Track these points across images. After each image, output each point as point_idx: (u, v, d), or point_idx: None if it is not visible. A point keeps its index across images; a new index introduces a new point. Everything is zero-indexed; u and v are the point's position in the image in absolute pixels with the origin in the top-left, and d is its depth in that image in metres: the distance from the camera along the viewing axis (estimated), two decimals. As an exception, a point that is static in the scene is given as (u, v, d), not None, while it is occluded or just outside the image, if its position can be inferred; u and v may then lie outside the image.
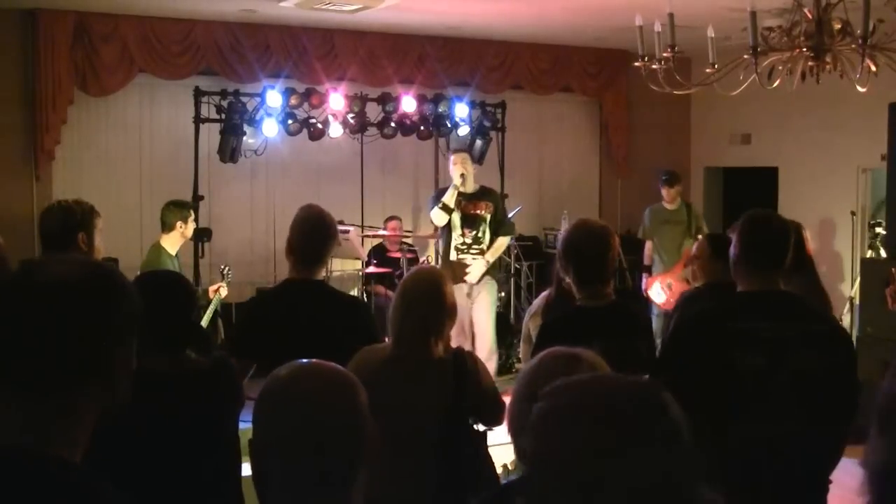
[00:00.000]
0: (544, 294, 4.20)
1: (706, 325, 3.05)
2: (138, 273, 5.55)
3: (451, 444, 3.01)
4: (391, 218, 9.04)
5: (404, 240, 9.11)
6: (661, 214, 8.37)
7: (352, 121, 8.50)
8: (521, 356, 5.06)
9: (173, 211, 6.16)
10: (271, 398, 1.65)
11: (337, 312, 3.60)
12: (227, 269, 7.31)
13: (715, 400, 2.86)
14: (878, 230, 7.68)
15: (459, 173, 7.03)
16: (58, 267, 1.44)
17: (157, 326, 2.83)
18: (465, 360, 3.14)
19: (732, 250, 3.09)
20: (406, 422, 2.99)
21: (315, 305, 3.57)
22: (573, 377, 1.32)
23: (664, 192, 8.41)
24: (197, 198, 8.04)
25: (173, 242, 6.10)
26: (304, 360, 1.70)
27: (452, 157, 7.19)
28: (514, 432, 1.95)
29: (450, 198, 7.00)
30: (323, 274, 3.81)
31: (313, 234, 3.64)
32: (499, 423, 3.27)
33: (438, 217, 7.06)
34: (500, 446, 3.47)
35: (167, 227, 6.10)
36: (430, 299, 3.06)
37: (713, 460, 2.84)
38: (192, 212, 6.34)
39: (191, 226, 6.24)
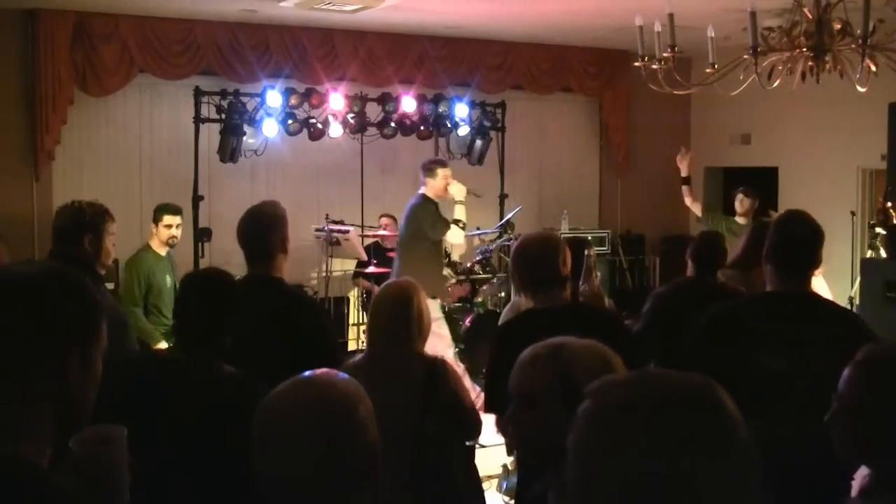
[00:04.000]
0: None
1: (727, 325, 3.03)
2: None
3: (424, 455, 3.00)
4: (383, 215, 9.00)
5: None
6: (728, 223, 7.53)
7: (352, 121, 8.49)
8: None
9: (158, 209, 6.38)
10: (264, 416, 1.65)
11: (278, 308, 3.56)
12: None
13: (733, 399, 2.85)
14: (878, 230, 7.67)
15: (462, 188, 6.85)
16: (19, 266, 1.49)
17: (184, 323, 2.89)
18: (437, 368, 3.16)
19: (765, 251, 3.10)
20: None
21: (262, 302, 3.53)
22: (620, 375, 1.30)
23: (737, 203, 7.61)
24: (197, 198, 8.03)
25: (155, 244, 6.30)
26: (306, 374, 1.70)
27: (445, 172, 6.89)
28: (516, 434, 1.95)
29: (463, 214, 6.84)
30: (282, 267, 3.71)
31: (244, 228, 3.73)
32: (473, 436, 3.26)
33: (461, 237, 6.91)
34: (499, 447, 3.46)
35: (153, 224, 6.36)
36: (394, 308, 3.17)
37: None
38: (164, 216, 6.30)
39: (164, 231, 6.26)
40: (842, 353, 2.90)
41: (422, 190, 6.90)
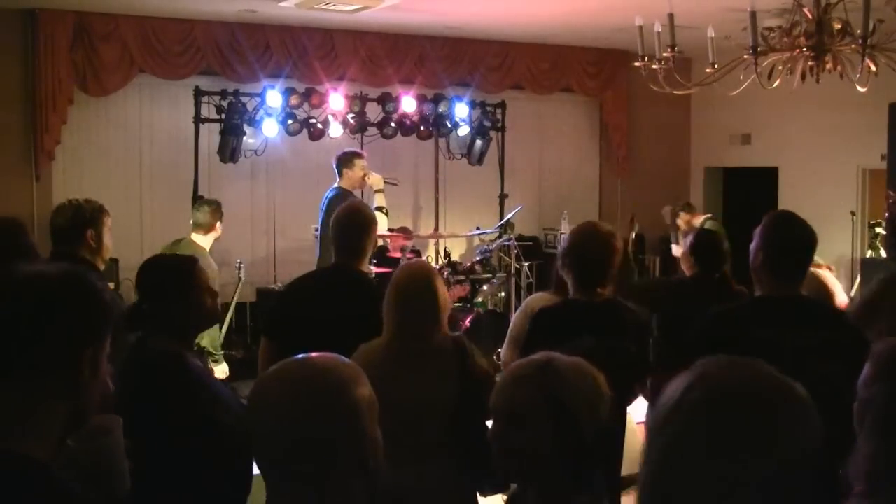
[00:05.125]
0: (540, 295, 4.20)
1: (727, 331, 3.00)
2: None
3: (460, 434, 3.01)
4: (400, 230, 8.97)
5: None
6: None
7: (352, 121, 8.50)
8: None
9: (214, 210, 6.01)
10: (255, 398, 1.64)
11: (363, 301, 3.66)
12: (240, 263, 7.16)
13: None
14: (878, 230, 7.68)
15: (379, 177, 6.98)
16: (34, 267, 1.50)
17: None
18: (465, 346, 3.17)
19: (752, 254, 3.06)
20: (413, 412, 2.99)
21: (343, 292, 3.74)
22: (706, 367, 1.29)
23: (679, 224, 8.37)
24: (197, 198, 8.03)
25: (209, 242, 5.96)
26: (299, 357, 1.68)
27: (362, 163, 6.81)
28: (500, 452, 1.94)
29: (383, 201, 6.94)
30: (367, 264, 4.00)
31: (342, 223, 3.88)
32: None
33: (385, 223, 7.01)
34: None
35: (206, 227, 5.91)
36: (424, 289, 3.14)
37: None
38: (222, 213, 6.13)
39: (219, 228, 6.04)
40: (839, 357, 2.87)
41: (337, 182, 6.75)
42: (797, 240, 3.01)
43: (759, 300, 3.10)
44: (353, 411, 1.60)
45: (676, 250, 8.26)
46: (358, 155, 6.96)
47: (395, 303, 3.15)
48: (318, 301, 3.75)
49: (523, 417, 1.87)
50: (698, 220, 8.38)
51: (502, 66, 9.89)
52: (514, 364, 2.00)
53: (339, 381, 1.62)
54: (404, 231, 8.93)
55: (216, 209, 6.05)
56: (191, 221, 5.97)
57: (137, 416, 2.52)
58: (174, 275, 2.80)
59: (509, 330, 4.22)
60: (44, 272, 1.49)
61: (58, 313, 1.44)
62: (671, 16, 4.86)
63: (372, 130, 8.72)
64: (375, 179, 6.96)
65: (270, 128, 8.14)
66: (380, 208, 6.88)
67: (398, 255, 8.45)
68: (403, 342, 3.11)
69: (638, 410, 3.79)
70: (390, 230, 8.73)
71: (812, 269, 4.84)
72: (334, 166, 6.76)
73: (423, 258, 8.74)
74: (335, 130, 8.46)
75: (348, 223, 3.90)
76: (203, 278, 2.82)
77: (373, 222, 3.94)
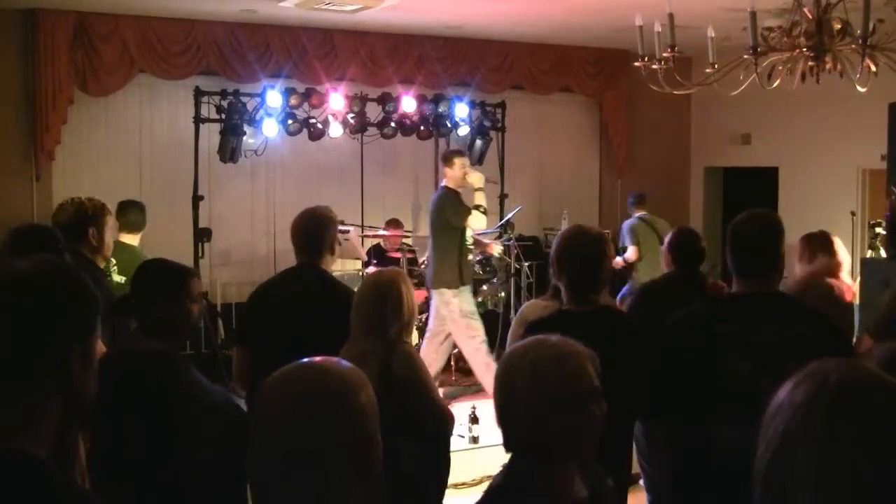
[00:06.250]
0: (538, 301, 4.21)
1: (692, 330, 3.05)
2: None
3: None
4: (392, 222, 8.99)
5: (404, 240, 9.10)
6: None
7: (352, 121, 8.49)
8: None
9: (143, 210, 6.08)
10: (259, 402, 1.63)
11: (329, 302, 3.73)
12: None
13: (699, 401, 2.87)
14: (878, 230, 7.67)
15: (480, 176, 7.22)
16: (19, 263, 1.49)
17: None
18: (392, 354, 3.20)
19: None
20: None
21: (308, 294, 3.81)
22: (818, 365, 1.26)
23: None
24: (197, 198, 8.03)
25: (138, 242, 5.98)
26: (303, 361, 1.65)
27: (462, 161, 7.18)
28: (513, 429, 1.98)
29: (483, 199, 7.12)
30: (329, 264, 4.04)
31: (302, 223, 3.97)
32: (434, 425, 3.25)
33: (483, 221, 7.20)
34: (498, 446, 3.45)
35: (139, 226, 5.98)
36: (372, 296, 3.27)
37: (696, 457, 2.87)
38: None
39: None
40: (810, 354, 2.86)
41: (443, 182, 7.16)
42: (753, 238, 3.03)
43: (726, 297, 3.15)
44: (357, 416, 1.59)
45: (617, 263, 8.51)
46: (458, 153, 7.33)
47: (353, 307, 3.31)
48: (285, 306, 3.79)
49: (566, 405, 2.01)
50: (636, 213, 8.78)
51: (502, 66, 9.89)
52: (528, 358, 2.04)
53: (343, 386, 1.61)
54: (395, 223, 8.94)
55: (143, 208, 6.13)
56: (116, 223, 5.86)
57: (125, 414, 2.53)
58: (171, 279, 2.85)
59: (508, 339, 4.23)
60: (31, 268, 1.48)
61: (45, 309, 1.43)
62: (671, 16, 4.86)
63: (372, 130, 8.72)
64: (476, 178, 7.19)
65: (270, 128, 8.13)
66: (477, 206, 7.12)
67: (398, 255, 8.45)
68: (353, 343, 3.24)
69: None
70: (389, 223, 8.74)
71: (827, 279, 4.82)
72: (441, 166, 7.27)
73: (423, 259, 8.72)
74: (335, 130, 8.46)
75: (306, 225, 3.96)
76: (196, 290, 2.88)
77: (330, 222, 3.99)
